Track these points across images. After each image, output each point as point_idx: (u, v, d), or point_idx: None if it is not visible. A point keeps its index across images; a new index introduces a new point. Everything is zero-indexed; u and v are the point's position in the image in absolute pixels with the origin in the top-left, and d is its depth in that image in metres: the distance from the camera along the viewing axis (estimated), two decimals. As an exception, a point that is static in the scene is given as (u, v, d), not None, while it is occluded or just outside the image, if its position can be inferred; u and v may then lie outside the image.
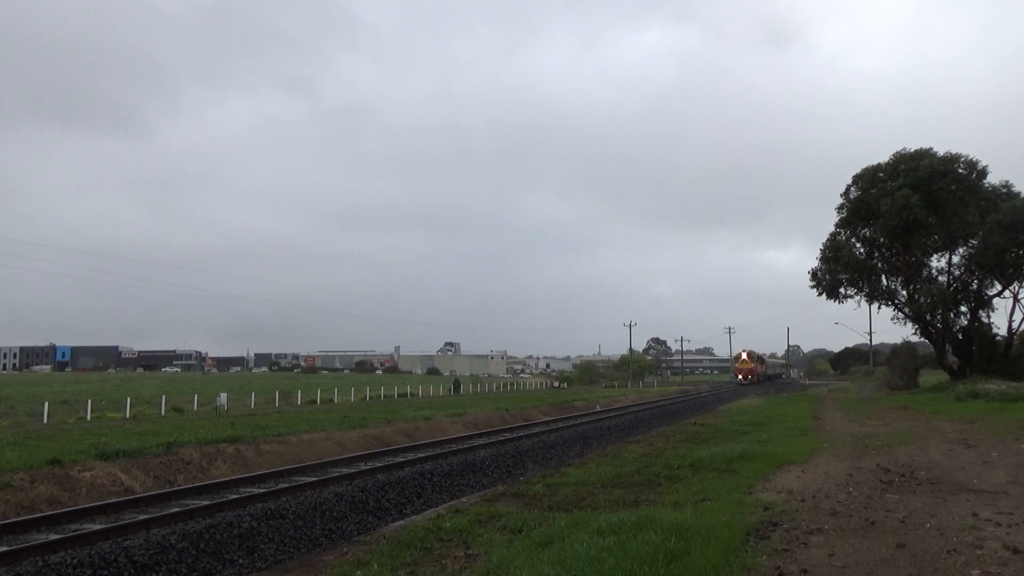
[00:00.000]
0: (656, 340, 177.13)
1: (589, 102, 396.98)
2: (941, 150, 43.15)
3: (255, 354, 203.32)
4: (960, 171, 42.45)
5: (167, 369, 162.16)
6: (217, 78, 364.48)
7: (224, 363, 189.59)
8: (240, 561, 10.10)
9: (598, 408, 43.51)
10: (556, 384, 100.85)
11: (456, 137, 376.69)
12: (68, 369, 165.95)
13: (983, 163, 42.88)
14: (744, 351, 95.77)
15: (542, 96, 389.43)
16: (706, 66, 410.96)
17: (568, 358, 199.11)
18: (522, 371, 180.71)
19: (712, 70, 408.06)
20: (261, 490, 14.39)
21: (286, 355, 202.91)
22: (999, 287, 44.44)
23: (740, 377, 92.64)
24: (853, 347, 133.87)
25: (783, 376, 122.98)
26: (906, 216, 40.30)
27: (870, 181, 44.56)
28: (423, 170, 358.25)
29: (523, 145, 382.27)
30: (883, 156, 46.37)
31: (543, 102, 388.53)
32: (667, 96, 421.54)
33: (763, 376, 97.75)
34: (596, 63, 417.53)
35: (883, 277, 46.63)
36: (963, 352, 45.77)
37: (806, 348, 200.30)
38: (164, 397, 40.47)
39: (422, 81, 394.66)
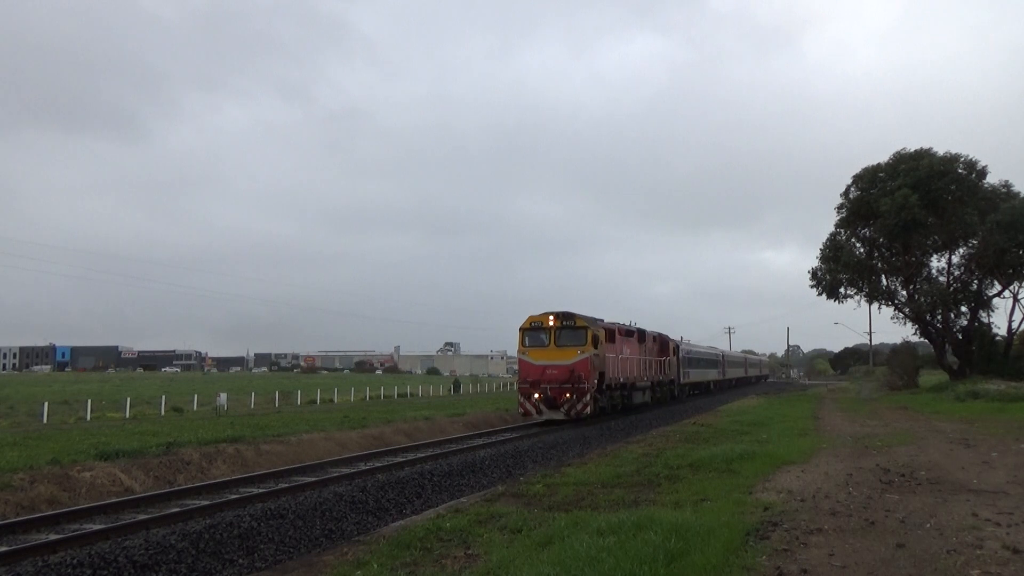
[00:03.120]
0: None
1: (582, 105, 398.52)
2: (941, 150, 43.35)
3: (255, 354, 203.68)
4: (960, 171, 42.52)
5: (167, 369, 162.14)
6: (215, 84, 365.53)
7: (224, 363, 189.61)
8: (240, 561, 10.09)
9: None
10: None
11: (451, 140, 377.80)
12: (68, 369, 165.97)
13: (983, 163, 43.02)
14: (551, 313, 28.40)
15: (535, 99, 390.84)
16: (697, 70, 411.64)
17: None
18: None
19: (703, 74, 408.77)
20: (261, 490, 14.39)
21: (286, 355, 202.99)
22: (999, 287, 44.50)
23: (537, 397, 27.89)
24: (853, 347, 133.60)
25: (782, 377, 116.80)
26: (906, 216, 40.33)
27: (870, 181, 44.60)
28: (419, 172, 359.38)
29: (518, 147, 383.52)
30: (880, 157, 46.57)
31: (537, 105, 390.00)
32: (659, 99, 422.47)
33: (660, 385, 39.16)
34: (588, 66, 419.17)
35: (883, 277, 46.65)
36: (963, 352, 45.79)
37: (806, 348, 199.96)
38: (164, 397, 40.44)
39: (416, 85, 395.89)
